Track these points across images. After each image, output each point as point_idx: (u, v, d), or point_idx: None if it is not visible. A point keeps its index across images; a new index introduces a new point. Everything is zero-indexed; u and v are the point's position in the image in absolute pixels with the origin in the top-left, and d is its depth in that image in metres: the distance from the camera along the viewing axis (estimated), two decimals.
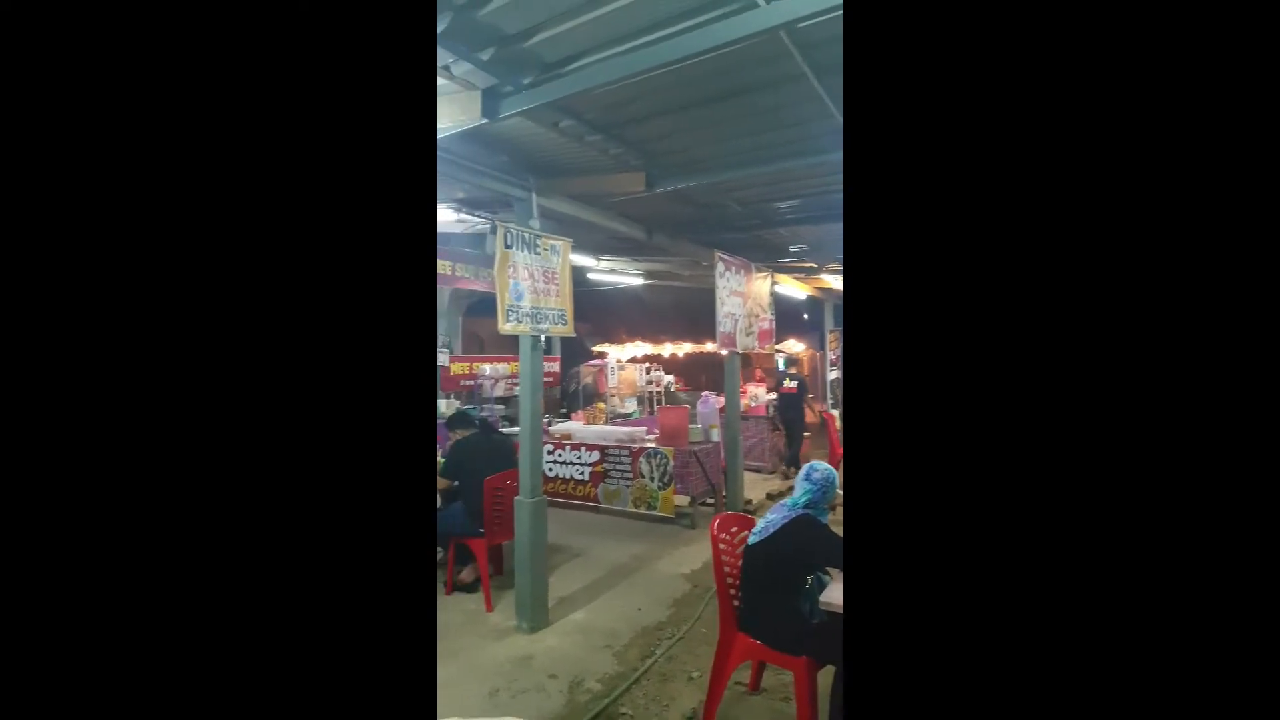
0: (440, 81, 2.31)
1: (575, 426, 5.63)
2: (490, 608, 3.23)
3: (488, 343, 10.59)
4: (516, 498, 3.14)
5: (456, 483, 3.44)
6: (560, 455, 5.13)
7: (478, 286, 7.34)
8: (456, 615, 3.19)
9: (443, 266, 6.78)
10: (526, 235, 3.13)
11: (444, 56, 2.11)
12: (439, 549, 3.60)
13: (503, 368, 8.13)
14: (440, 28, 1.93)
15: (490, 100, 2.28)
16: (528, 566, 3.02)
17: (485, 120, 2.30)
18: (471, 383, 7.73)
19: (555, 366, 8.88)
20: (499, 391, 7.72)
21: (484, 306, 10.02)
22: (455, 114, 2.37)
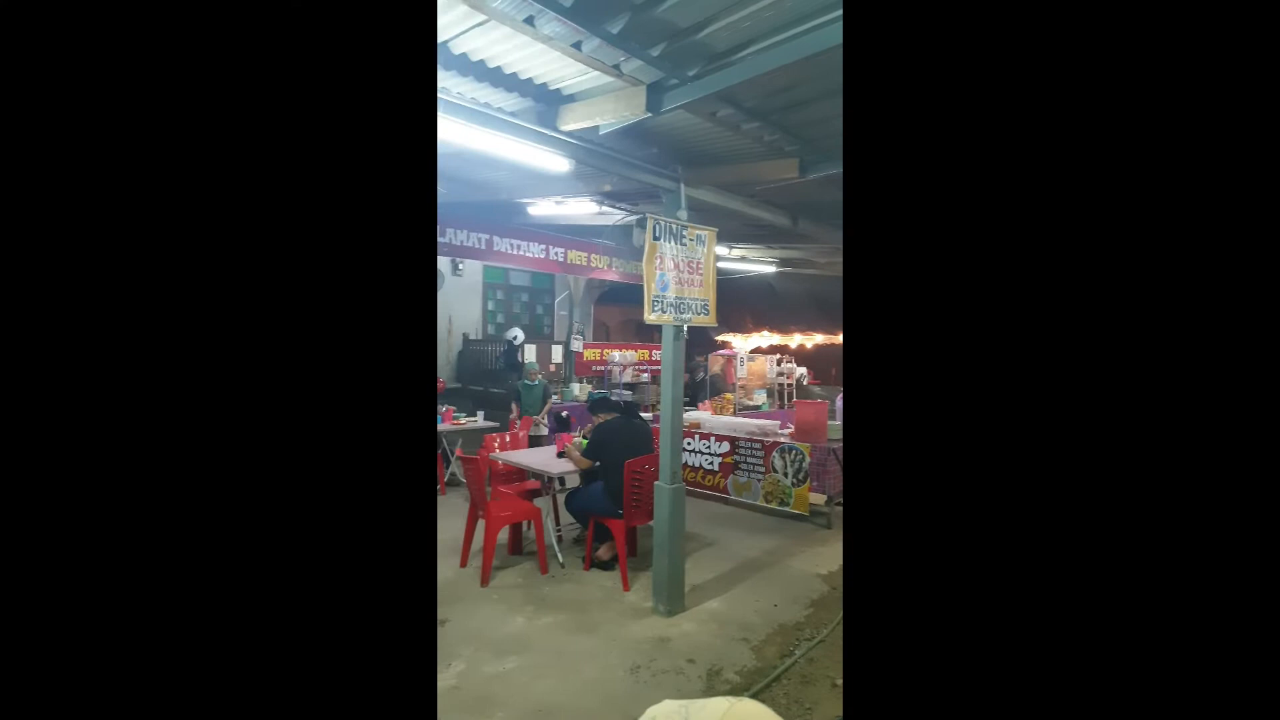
0: (607, 79, 2.40)
1: (704, 416, 5.65)
2: (627, 587, 3.36)
3: (613, 330, 10.95)
4: (656, 482, 3.23)
5: (598, 463, 3.61)
6: (689, 444, 5.18)
7: (609, 276, 7.60)
8: (595, 591, 3.36)
9: (578, 257, 7.11)
10: (674, 226, 3.17)
11: (615, 55, 2.19)
12: (579, 525, 3.82)
13: (630, 355, 8.37)
14: (615, 29, 2.01)
15: (655, 94, 2.33)
16: (665, 550, 3.10)
17: (649, 114, 2.35)
18: (601, 369, 8.05)
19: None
20: (627, 378, 7.97)
21: (612, 296, 10.37)
22: (619, 110, 2.45)
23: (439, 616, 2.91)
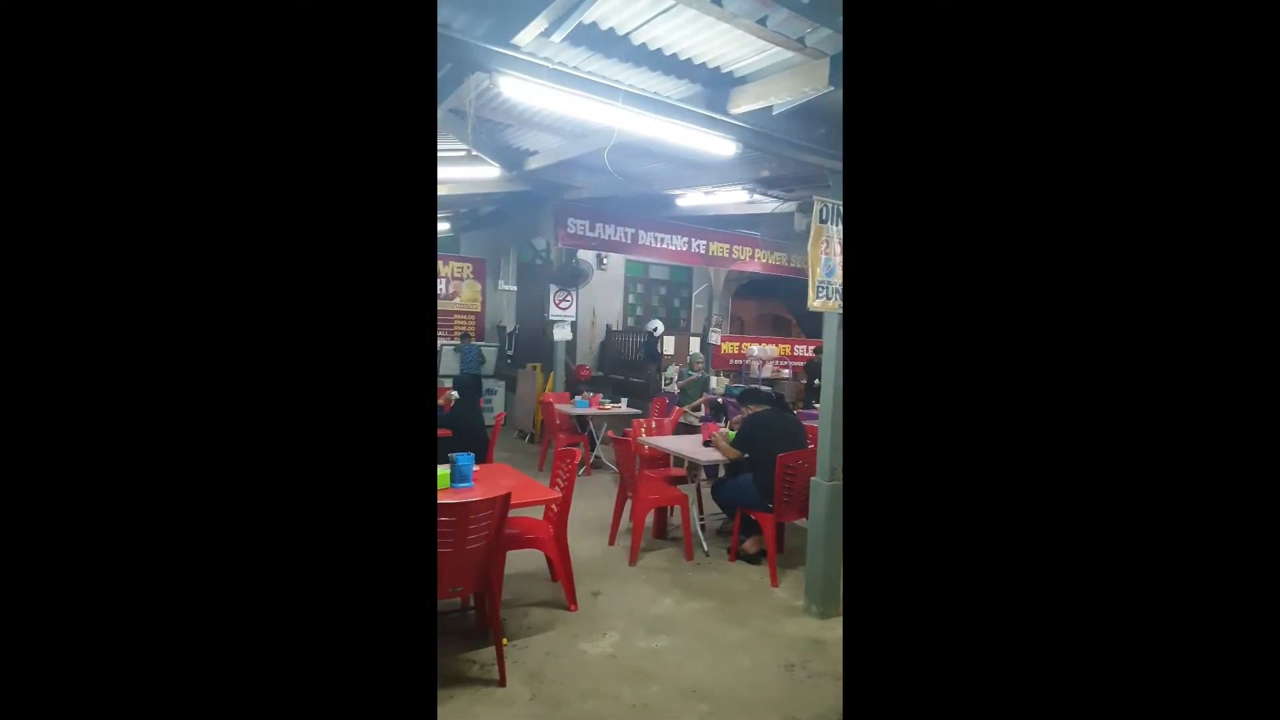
0: (786, 55, 2.34)
1: None
2: (775, 583, 3.27)
3: (748, 324, 10.74)
4: (813, 479, 3.10)
5: (747, 455, 3.55)
6: None
7: (751, 268, 7.45)
8: (741, 583, 3.31)
9: (719, 249, 7.05)
10: (841, 209, 3.01)
11: (800, 27, 2.12)
12: (724, 515, 3.80)
13: (770, 349, 8.16)
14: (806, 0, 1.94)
15: (839, 67, 2.22)
16: (821, 550, 2.97)
17: (831, 89, 2.25)
18: (739, 362, 7.94)
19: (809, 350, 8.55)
20: (766, 372, 7.78)
21: (750, 289, 10.18)
22: (798, 86, 2.37)
23: (593, 588, 3.06)
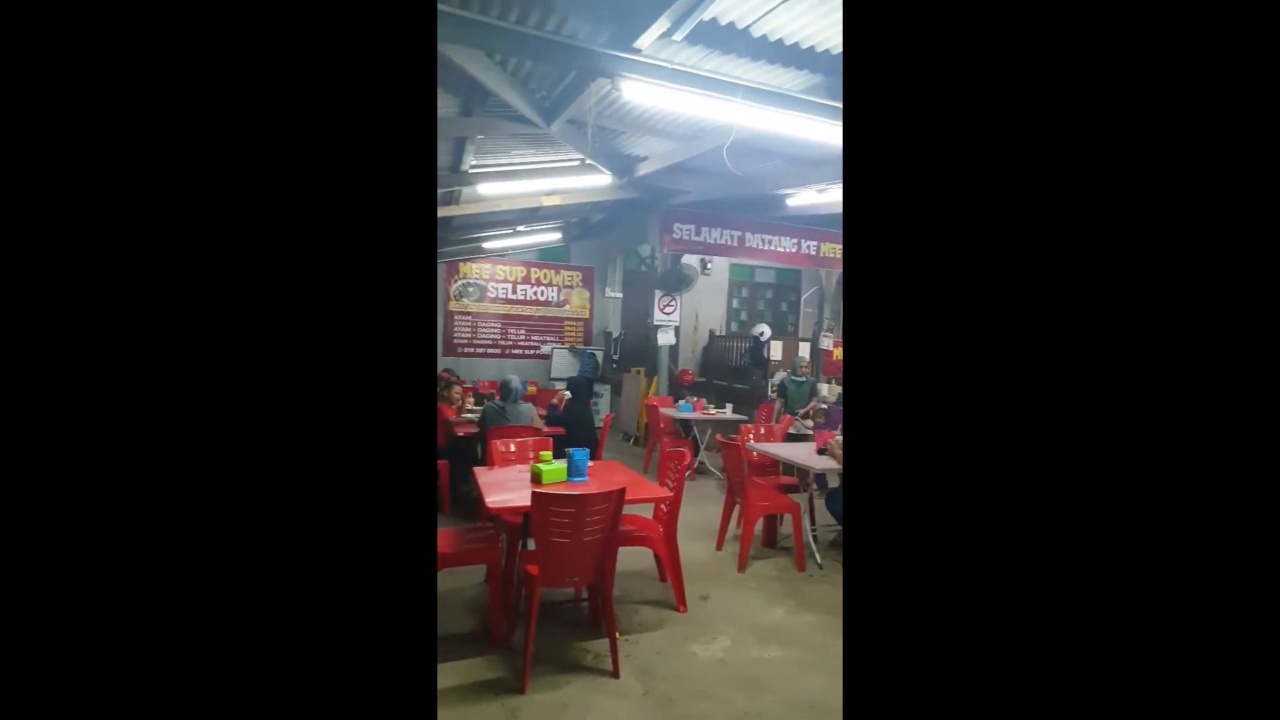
0: None
1: None
2: None
3: None
4: None
5: None
6: None
7: None
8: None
9: (831, 250, 6.76)
10: None
11: None
12: (839, 527, 3.60)
13: None
14: None
15: None
16: None
17: None
18: None
19: None
20: None
21: None
22: None
23: (701, 592, 3.02)
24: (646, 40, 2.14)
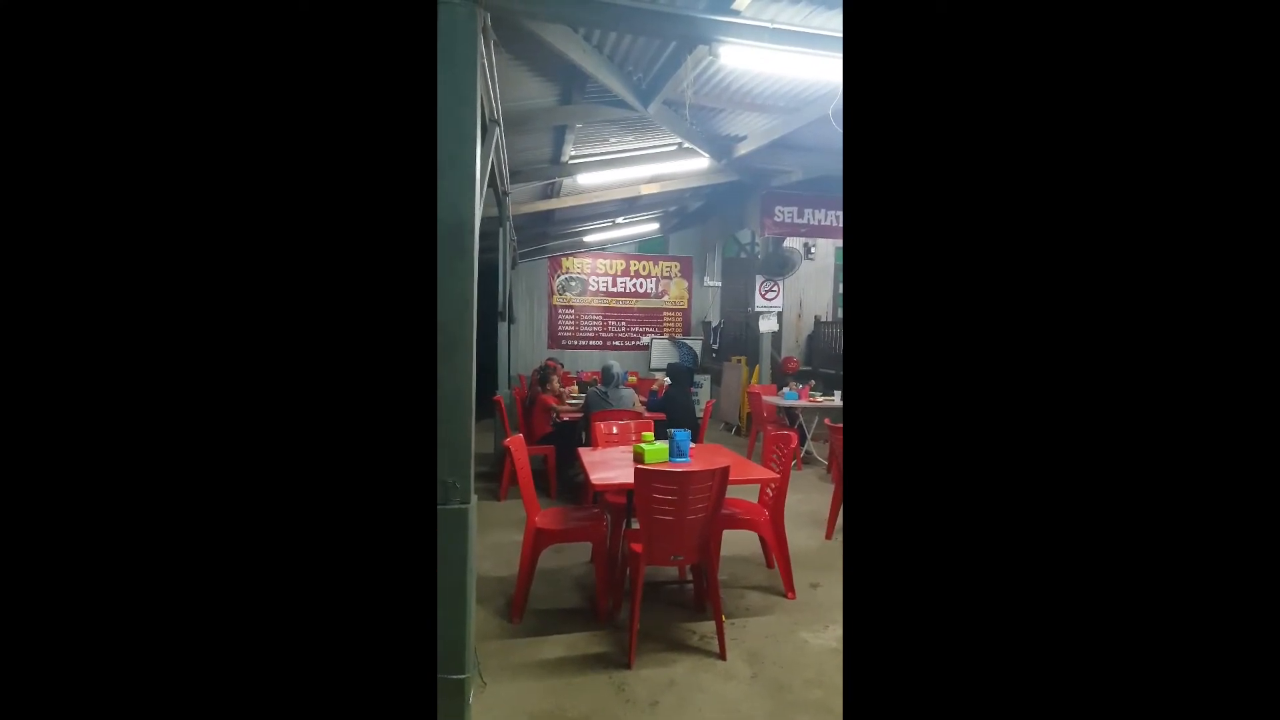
0: None
1: None
2: None
3: None
4: None
5: None
6: None
7: None
8: None
9: None
10: None
11: None
12: None
13: None
14: None
15: None
16: None
17: None
18: None
19: None
20: None
21: None
22: None
23: (811, 580, 2.89)
24: (744, 2, 2.06)
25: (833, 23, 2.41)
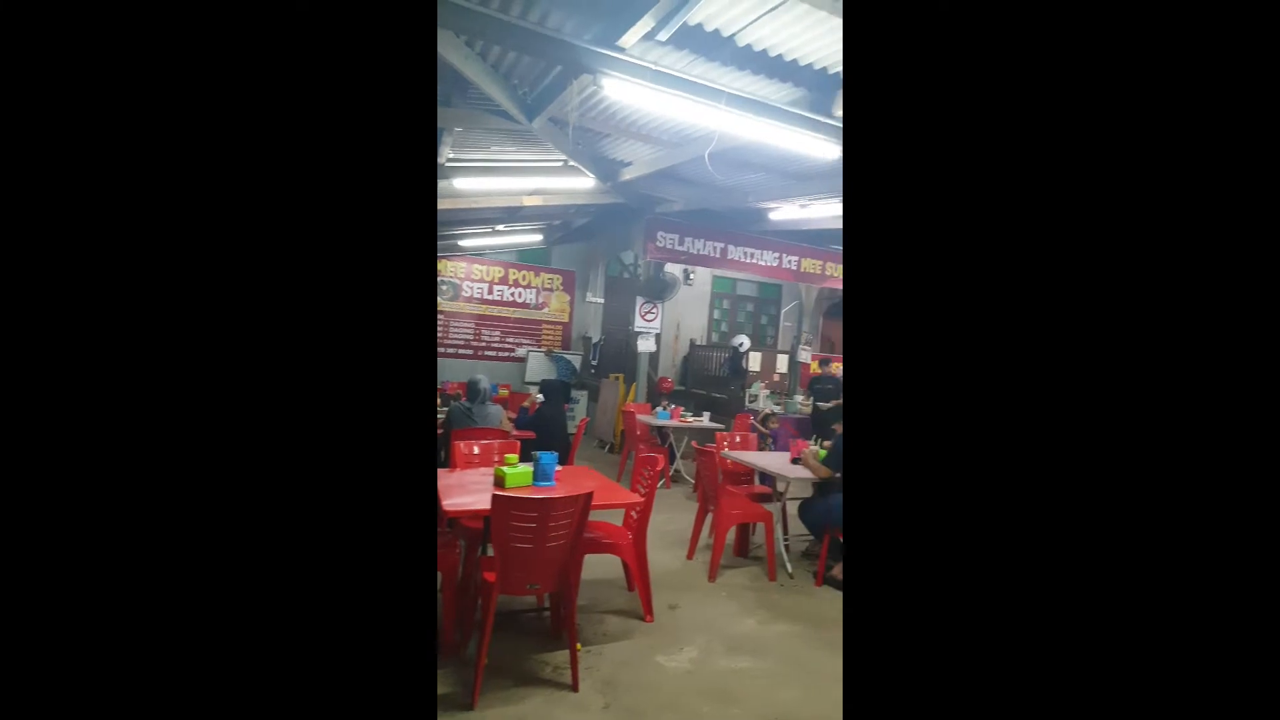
0: None
1: None
2: None
3: (838, 345, 10.28)
4: None
5: (838, 474, 3.34)
6: None
7: (841, 287, 7.14)
8: (829, 609, 3.09)
9: (812, 266, 6.82)
10: None
11: None
12: (811, 537, 3.59)
13: None
14: None
15: None
16: None
17: None
18: None
19: None
20: None
21: (841, 310, 9.80)
22: None
23: (670, 601, 2.96)
24: (630, 39, 2.12)
25: (711, 73, 2.56)
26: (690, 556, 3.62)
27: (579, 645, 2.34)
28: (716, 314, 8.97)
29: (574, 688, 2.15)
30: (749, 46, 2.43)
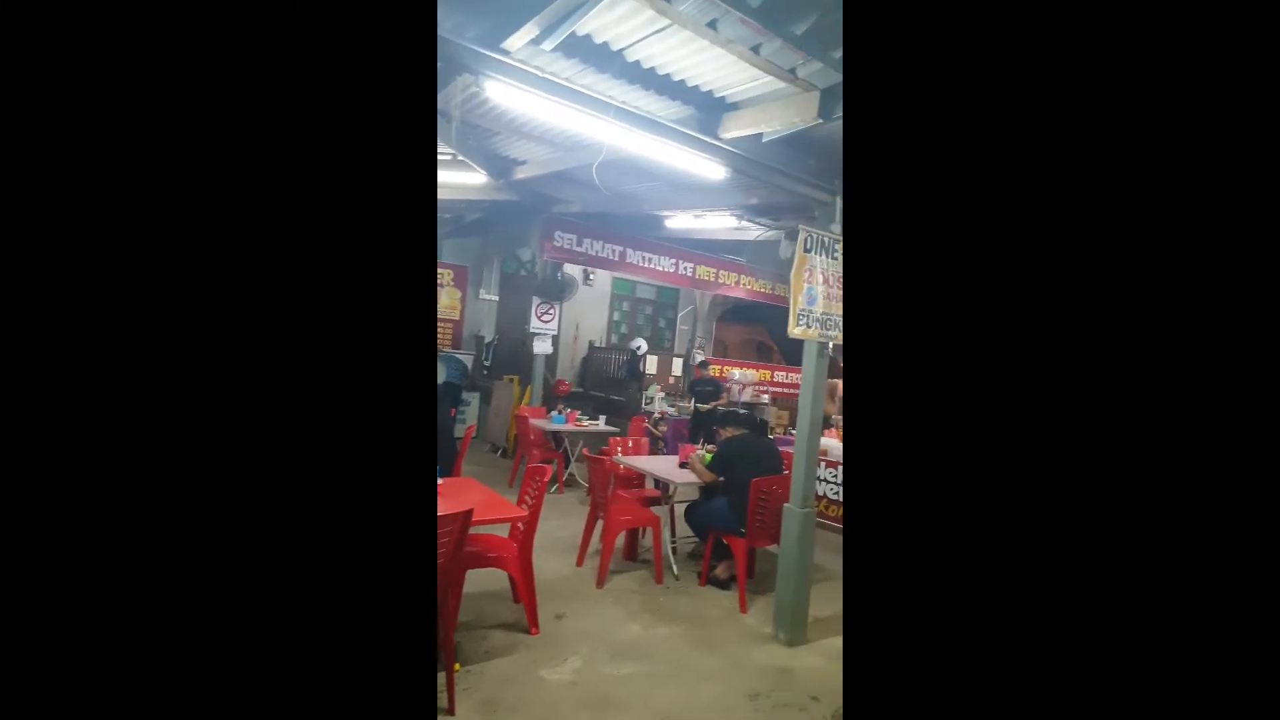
0: (777, 85, 2.35)
1: (832, 444, 5.33)
2: (744, 609, 3.21)
3: (732, 349, 10.77)
4: (786, 505, 3.06)
5: (723, 478, 3.50)
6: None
7: (736, 294, 7.49)
8: (711, 609, 3.24)
9: (707, 273, 7.08)
10: (826, 240, 3.02)
11: (793, 59, 2.14)
12: (696, 538, 3.73)
13: (751, 374, 8.17)
14: (801, 29, 1.95)
15: (828, 100, 2.24)
16: (791, 577, 2.92)
17: (819, 121, 2.26)
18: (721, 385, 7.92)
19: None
20: (745, 397, 7.77)
21: (735, 314, 10.23)
22: (788, 117, 2.39)
23: (557, 611, 2.96)
24: (516, 43, 2.07)
25: (602, 85, 2.57)
26: (580, 564, 3.63)
27: (457, 665, 2.26)
28: (617, 315, 9.04)
29: (450, 711, 2.08)
30: (638, 62, 2.47)
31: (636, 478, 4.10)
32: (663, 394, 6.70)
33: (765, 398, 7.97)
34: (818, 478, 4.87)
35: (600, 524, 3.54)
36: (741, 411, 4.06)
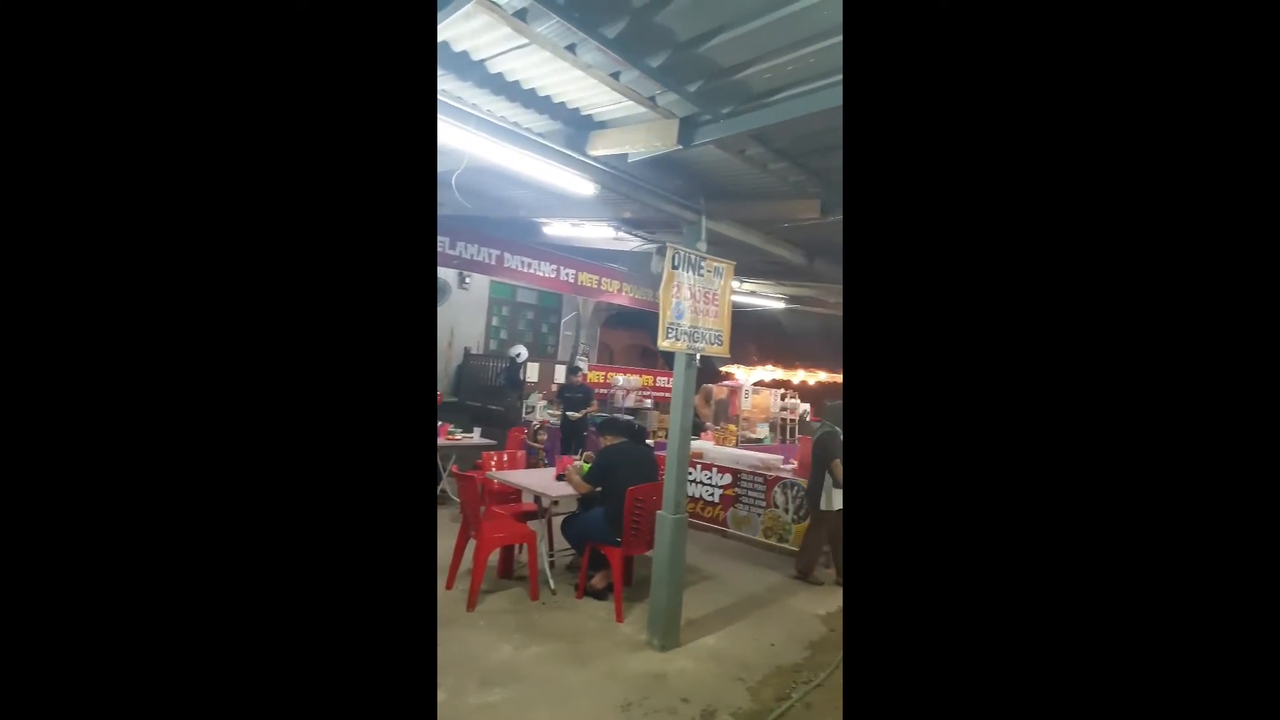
0: (641, 109, 2.43)
1: (707, 446, 5.59)
2: (621, 618, 3.27)
3: (617, 354, 10.93)
4: (659, 511, 3.17)
5: (599, 489, 3.54)
6: (690, 474, 5.11)
7: (619, 301, 7.61)
8: (588, 621, 3.26)
9: (589, 280, 7.12)
10: (693, 257, 3.18)
11: (652, 88, 2.22)
12: (574, 552, 3.73)
13: (634, 380, 8.33)
14: (656, 63, 2.03)
15: (687, 128, 2.35)
16: (664, 583, 3.02)
17: (680, 147, 2.37)
18: (605, 391, 7.99)
19: None
20: (629, 402, 7.91)
21: (620, 320, 10.37)
22: (650, 140, 2.47)
23: None
24: None
25: (465, 92, 2.49)
26: (449, 587, 3.49)
27: None
28: (495, 321, 8.79)
29: None
30: (501, 74, 2.42)
31: (513, 492, 4.01)
32: (544, 402, 6.62)
33: (649, 403, 8.17)
34: (692, 479, 5.10)
35: (472, 543, 3.42)
36: (621, 418, 4.12)
